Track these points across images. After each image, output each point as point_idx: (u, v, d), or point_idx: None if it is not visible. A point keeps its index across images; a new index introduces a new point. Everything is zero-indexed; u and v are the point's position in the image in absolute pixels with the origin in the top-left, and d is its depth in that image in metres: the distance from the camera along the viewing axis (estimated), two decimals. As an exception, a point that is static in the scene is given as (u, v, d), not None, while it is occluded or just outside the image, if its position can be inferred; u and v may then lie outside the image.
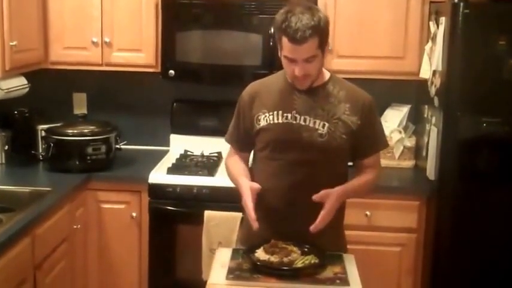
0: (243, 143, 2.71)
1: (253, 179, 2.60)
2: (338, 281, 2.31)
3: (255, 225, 2.44)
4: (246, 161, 2.75)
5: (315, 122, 2.53)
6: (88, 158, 3.61)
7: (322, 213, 2.45)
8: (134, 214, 3.58)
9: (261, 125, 2.60)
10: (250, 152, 2.73)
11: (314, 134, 2.53)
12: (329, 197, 2.47)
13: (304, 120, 2.54)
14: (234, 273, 2.35)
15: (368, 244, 3.42)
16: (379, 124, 2.69)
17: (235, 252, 2.56)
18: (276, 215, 2.59)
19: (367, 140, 2.60)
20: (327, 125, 2.52)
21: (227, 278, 2.31)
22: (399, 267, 3.55)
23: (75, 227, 3.36)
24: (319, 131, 2.52)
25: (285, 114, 2.55)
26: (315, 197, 2.44)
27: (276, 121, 2.57)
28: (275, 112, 2.57)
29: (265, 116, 2.58)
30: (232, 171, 2.70)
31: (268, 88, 2.65)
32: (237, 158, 2.73)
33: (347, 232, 2.72)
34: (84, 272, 3.59)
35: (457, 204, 3.35)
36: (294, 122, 2.54)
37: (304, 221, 2.51)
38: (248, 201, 2.47)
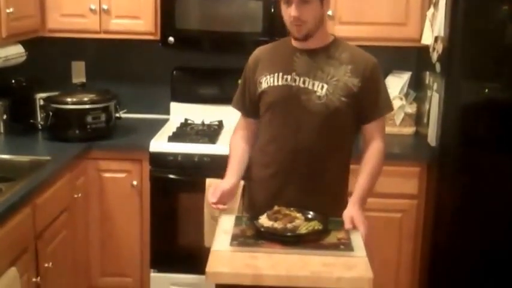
0: (249, 109, 2.70)
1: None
2: (342, 247, 2.31)
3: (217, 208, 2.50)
4: (253, 129, 2.72)
5: (313, 84, 2.50)
6: (88, 126, 3.58)
7: (361, 231, 2.44)
8: (135, 183, 3.57)
9: (263, 87, 2.58)
10: (257, 117, 2.69)
11: (312, 96, 2.50)
12: (354, 217, 2.47)
13: (303, 82, 2.51)
14: (237, 239, 2.35)
15: (369, 210, 3.32)
16: (384, 87, 2.62)
17: (238, 219, 2.55)
18: (276, 180, 2.58)
19: (370, 103, 2.56)
20: (325, 86, 2.49)
21: (231, 245, 2.31)
22: (400, 233, 3.56)
23: (75, 196, 3.35)
24: (317, 93, 2.50)
25: (285, 76, 2.53)
26: (347, 228, 2.45)
27: (275, 83, 2.55)
28: (275, 74, 2.55)
29: (266, 79, 2.57)
30: (229, 159, 2.71)
31: (272, 52, 2.64)
32: (241, 139, 2.72)
33: (348, 198, 2.70)
34: (86, 241, 3.59)
35: (458, 170, 3.34)
36: (293, 84, 2.52)
37: (305, 188, 2.53)
38: (209, 196, 2.52)
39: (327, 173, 2.60)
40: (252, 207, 2.67)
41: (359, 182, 2.57)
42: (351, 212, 2.49)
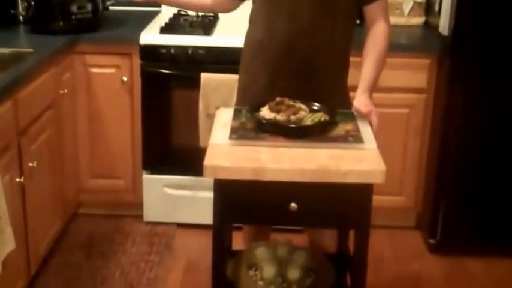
0: None
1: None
2: (350, 139, 2.13)
3: None
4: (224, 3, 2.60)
5: None
6: (73, 17, 3.33)
7: (374, 122, 2.26)
8: (125, 78, 3.38)
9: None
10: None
11: None
12: (362, 107, 2.29)
13: None
14: (237, 132, 2.16)
15: (375, 106, 3.22)
16: None
17: (237, 111, 2.35)
18: (268, 70, 2.40)
19: None
20: None
21: (230, 138, 2.12)
22: (407, 129, 3.42)
23: (61, 92, 3.16)
24: None
25: None
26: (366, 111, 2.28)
27: None
28: None
29: None
30: None
31: None
32: None
33: (352, 94, 2.50)
34: (74, 141, 3.44)
35: (471, 61, 3.14)
36: None
37: (298, 77, 2.36)
38: None
39: (324, 61, 2.40)
40: (244, 100, 2.48)
41: (365, 70, 2.37)
42: (362, 100, 2.30)
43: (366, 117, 2.27)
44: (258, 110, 2.25)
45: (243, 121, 2.25)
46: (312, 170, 1.95)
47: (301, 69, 2.37)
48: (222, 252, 2.10)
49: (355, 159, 2.00)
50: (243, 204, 2.01)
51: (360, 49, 2.41)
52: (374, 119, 2.26)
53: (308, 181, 1.94)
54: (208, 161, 1.98)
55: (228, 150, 2.05)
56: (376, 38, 2.38)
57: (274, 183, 1.95)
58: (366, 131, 2.20)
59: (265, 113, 2.23)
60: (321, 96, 2.32)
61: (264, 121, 2.18)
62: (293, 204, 1.97)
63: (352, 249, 2.12)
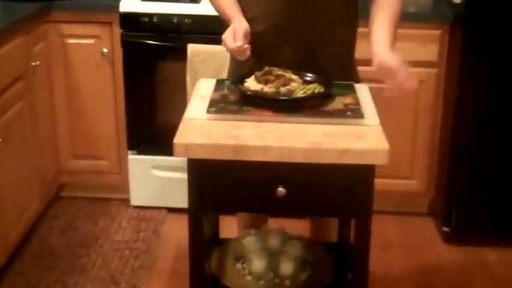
0: None
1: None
2: (349, 113, 1.84)
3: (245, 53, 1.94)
4: None
5: None
6: (45, -19, 3.07)
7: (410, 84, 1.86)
8: (105, 50, 3.16)
9: None
10: None
11: None
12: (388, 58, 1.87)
13: None
14: (216, 105, 1.87)
15: (381, 81, 2.97)
16: None
17: (219, 83, 2.07)
18: (267, 39, 2.09)
19: None
20: None
21: (208, 112, 1.84)
22: (416, 106, 3.17)
23: (33, 64, 2.93)
24: None
25: None
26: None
27: None
28: None
29: None
30: (220, 3, 2.15)
31: None
32: None
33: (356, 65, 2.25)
34: (52, 117, 3.23)
35: (486, 31, 2.90)
36: None
37: (303, 48, 2.06)
38: (231, 41, 1.93)
39: (330, 29, 2.11)
40: (238, 74, 2.16)
41: (381, 29, 1.98)
42: (386, 53, 1.89)
43: (395, 72, 1.84)
44: (243, 81, 1.97)
45: (225, 93, 1.96)
46: (303, 149, 1.66)
47: (306, 39, 2.08)
48: (201, 244, 1.84)
49: (354, 137, 1.71)
50: (222, 189, 1.74)
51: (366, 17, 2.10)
52: (410, 80, 1.86)
53: (298, 161, 1.66)
54: (180, 138, 1.71)
55: (204, 126, 1.77)
56: (388, 11, 2.04)
57: (258, 164, 1.67)
58: (367, 104, 1.91)
59: (251, 84, 1.95)
60: (326, 68, 2.03)
61: (248, 93, 1.89)
62: (281, 189, 1.69)
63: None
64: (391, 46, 1.92)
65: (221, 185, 1.73)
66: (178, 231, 3.16)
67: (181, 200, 3.19)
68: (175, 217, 3.26)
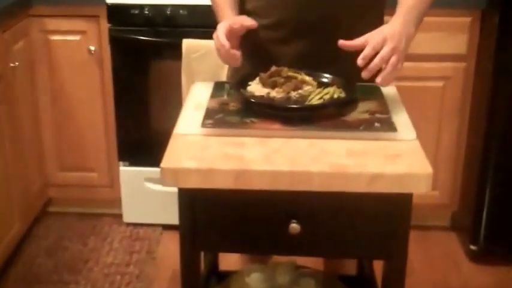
0: None
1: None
2: (377, 125, 1.52)
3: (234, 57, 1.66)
4: None
5: None
6: (24, -28, 2.82)
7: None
8: (93, 48, 2.90)
9: None
10: None
11: None
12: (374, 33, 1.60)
13: None
14: (213, 117, 1.56)
15: (401, 78, 2.67)
16: None
17: (218, 86, 1.78)
18: (276, 33, 1.83)
19: None
20: None
21: (203, 125, 1.53)
22: (441, 106, 2.94)
23: (12, 65, 2.70)
24: None
25: None
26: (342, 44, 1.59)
27: None
28: None
29: None
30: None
31: None
32: None
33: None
34: (35, 124, 2.99)
35: None
36: None
37: (317, 44, 1.77)
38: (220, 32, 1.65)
39: (350, 20, 1.81)
40: (240, 73, 1.88)
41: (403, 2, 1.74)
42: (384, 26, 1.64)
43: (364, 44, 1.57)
44: (245, 84, 1.68)
45: (224, 100, 1.67)
46: (321, 174, 1.33)
47: (321, 33, 1.78)
48: (195, 282, 1.54)
49: (386, 157, 1.39)
50: (221, 225, 1.43)
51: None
52: (386, 53, 1.56)
53: (316, 190, 1.34)
54: (168, 161, 1.38)
55: (198, 144, 1.46)
56: None
57: (265, 193, 1.35)
58: (398, 112, 1.60)
59: (255, 88, 1.65)
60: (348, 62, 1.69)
61: (252, 100, 1.59)
62: (294, 225, 1.38)
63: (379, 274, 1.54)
64: (410, 16, 1.69)
65: (220, 221, 1.42)
66: (174, 252, 2.88)
67: (178, 216, 2.97)
68: (172, 235, 3.00)
